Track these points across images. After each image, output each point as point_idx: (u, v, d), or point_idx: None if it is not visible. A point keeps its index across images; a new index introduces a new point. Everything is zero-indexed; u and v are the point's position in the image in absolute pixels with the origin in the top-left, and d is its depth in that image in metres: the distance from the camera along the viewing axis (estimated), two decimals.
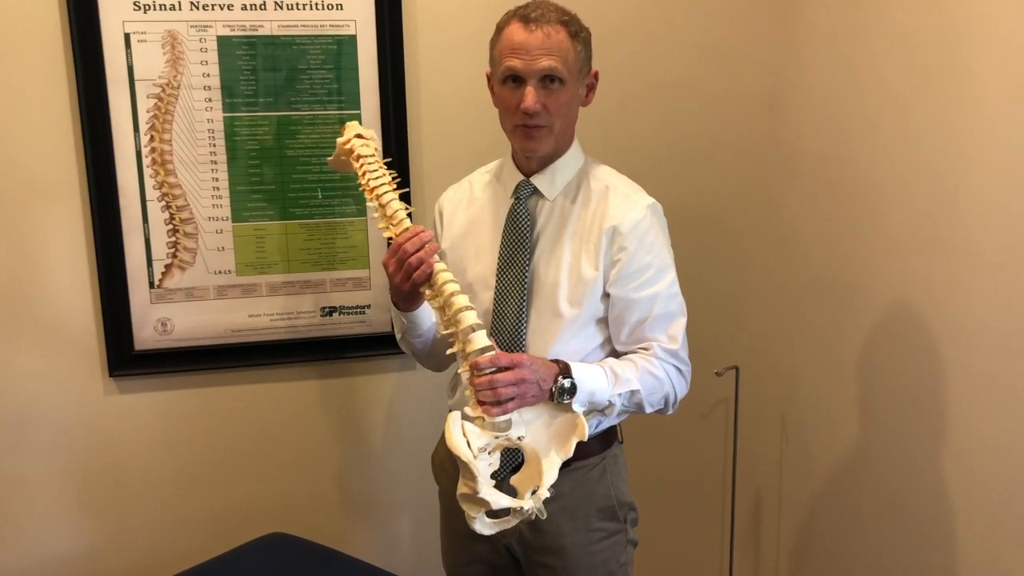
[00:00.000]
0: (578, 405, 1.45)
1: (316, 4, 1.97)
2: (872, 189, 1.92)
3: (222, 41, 1.94)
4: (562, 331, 1.57)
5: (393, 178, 1.57)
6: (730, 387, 2.35)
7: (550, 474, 1.39)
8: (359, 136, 1.63)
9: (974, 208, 1.64)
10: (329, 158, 1.74)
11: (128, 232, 1.97)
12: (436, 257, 1.48)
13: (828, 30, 2.05)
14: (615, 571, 1.68)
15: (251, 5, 1.94)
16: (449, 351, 1.47)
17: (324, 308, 2.10)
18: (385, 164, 1.59)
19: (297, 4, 1.96)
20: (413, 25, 2.03)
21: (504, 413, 1.39)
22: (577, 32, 1.53)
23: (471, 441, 1.38)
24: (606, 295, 1.58)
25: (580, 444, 1.61)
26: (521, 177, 1.64)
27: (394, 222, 1.52)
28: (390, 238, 1.52)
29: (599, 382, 1.48)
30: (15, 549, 2.06)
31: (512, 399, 1.39)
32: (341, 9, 1.98)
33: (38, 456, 2.03)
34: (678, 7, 2.15)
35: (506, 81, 1.54)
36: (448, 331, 1.45)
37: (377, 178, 1.56)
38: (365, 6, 1.99)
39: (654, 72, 2.16)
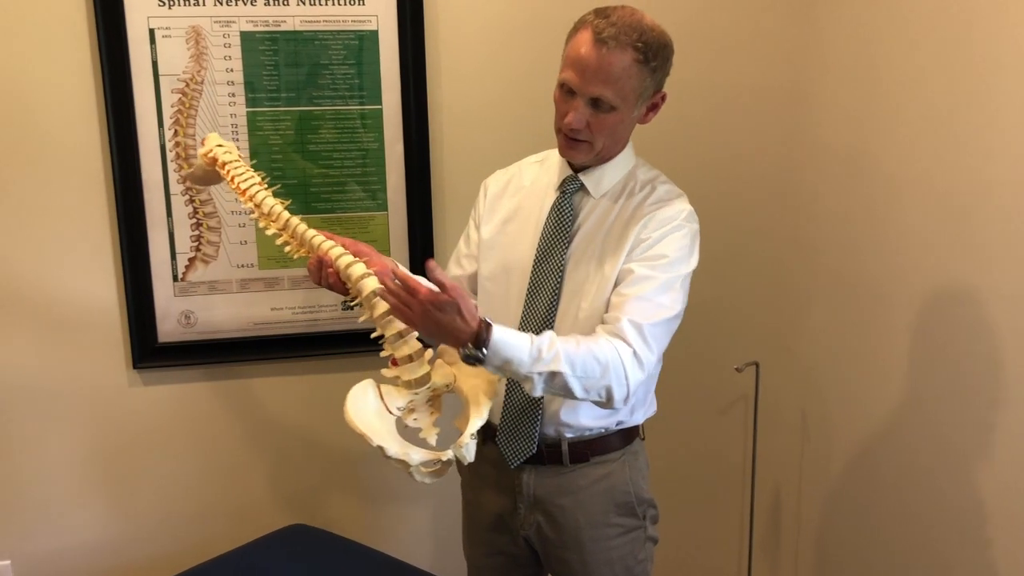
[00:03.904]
0: (492, 369, 1.41)
1: None
2: (893, 184, 1.91)
3: (245, 36, 1.96)
4: (586, 325, 1.55)
5: (263, 178, 1.62)
6: (750, 383, 2.34)
7: (476, 420, 1.43)
8: (219, 145, 1.67)
9: (997, 203, 1.63)
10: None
11: (152, 226, 1.99)
12: (331, 247, 1.52)
13: (849, 24, 2.04)
14: (633, 567, 1.68)
15: (274, 1, 1.95)
16: (361, 319, 1.50)
17: (345, 302, 2.10)
18: (251, 166, 1.64)
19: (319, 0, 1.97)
20: (434, 20, 2.04)
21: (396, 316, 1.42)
22: (649, 58, 1.47)
23: (388, 402, 1.44)
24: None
25: (600, 439, 1.63)
26: (569, 172, 1.63)
27: (272, 217, 1.59)
28: (276, 234, 1.59)
29: (518, 354, 1.39)
30: (39, 538, 2.09)
31: (399, 315, 1.41)
32: (363, 4, 1.99)
33: (63, 447, 2.06)
34: (698, 2, 2.15)
35: (562, 85, 1.52)
36: (356, 301, 1.50)
37: (246, 180, 1.61)
38: (387, 2, 1.99)
39: (674, 67, 2.15)
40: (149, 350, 2.04)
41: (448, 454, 1.40)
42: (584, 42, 1.47)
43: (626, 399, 1.47)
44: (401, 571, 1.87)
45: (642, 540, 1.69)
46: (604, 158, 1.60)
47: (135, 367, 2.05)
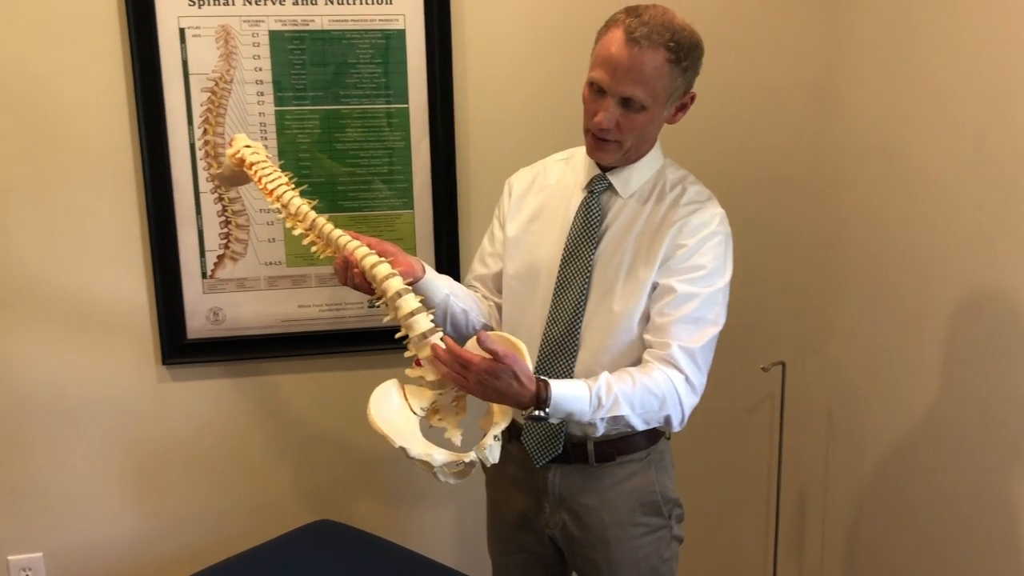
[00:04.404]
0: (554, 420, 1.46)
1: None
2: (924, 182, 1.89)
3: (274, 36, 1.97)
4: (615, 328, 1.56)
5: (290, 179, 1.63)
6: (776, 383, 2.33)
7: (499, 422, 1.44)
8: (247, 146, 1.68)
9: None
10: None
11: (182, 223, 2.01)
12: (356, 248, 1.53)
13: (880, 20, 2.02)
14: (658, 566, 1.68)
15: (303, 0, 1.96)
16: (385, 319, 1.51)
17: (371, 300, 2.12)
18: (279, 166, 1.65)
19: None
20: (461, 19, 2.04)
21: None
22: (680, 58, 1.46)
23: (412, 403, 1.45)
24: (653, 287, 1.56)
25: (626, 438, 1.62)
26: (597, 171, 1.63)
27: (299, 218, 1.59)
28: (303, 234, 1.60)
29: (579, 406, 1.43)
30: (70, 531, 2.12)
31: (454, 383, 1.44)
32: (391, 3, 1.99)
33: (94, 442, 2.09)
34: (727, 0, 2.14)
35: (591, 84, 1.52)
36: (380, 301, 1.51)
37: (273, 180, 1.62)
38: (414, 1, 2.00)
39: (704, 66, 2.14)
40: (178, 346, 2.07)
41: (471, 456, 1.40)
42: (615, 41, 1.46)
43: (682, 422, 1.53)
44: (426, 567, 1.88)
45: (668, 539, 1.69)
46: (632, 158, 1.59)
47: (164, 363, 2.07)
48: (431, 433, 1.47)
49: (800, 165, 2.25)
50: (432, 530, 2.30)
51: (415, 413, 1.46)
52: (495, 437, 1.41)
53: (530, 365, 1.45)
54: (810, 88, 2.21)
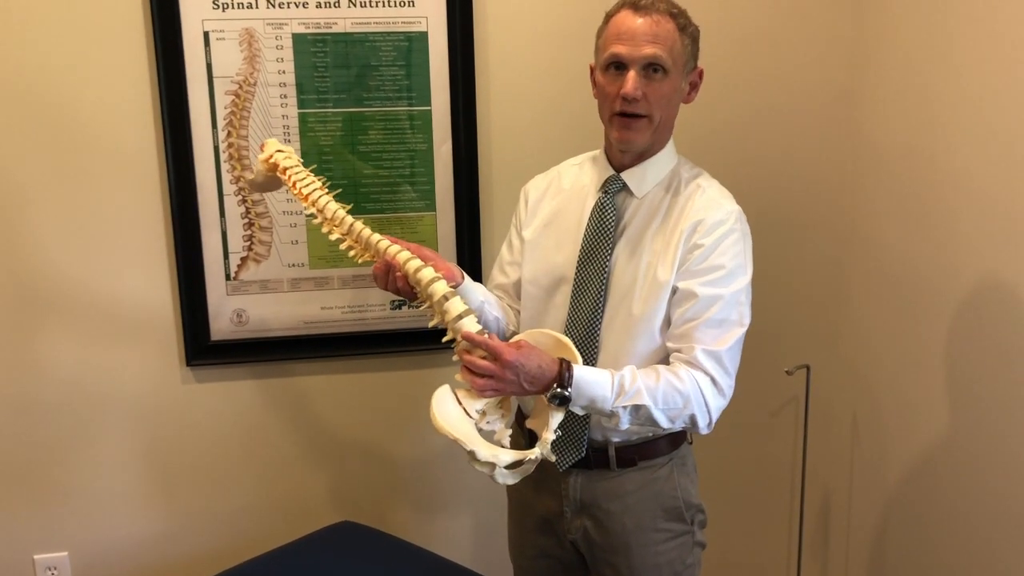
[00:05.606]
0: (578, 409, 1.45)
1: (389, 1, 1.99)
2: (950, 183, 1.86)
3: (297, 39, 1.98)
4: (635, 331, 1.55)
5: (323, 183, 1.62)
6: (801, 386, 2.31)
7: (555, 417, 1.44)
8: (279, 151, 1.67)
9: None
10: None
11: (206, 226, 2.02)
12: (398, 252, 1.52)
13: (905, 19, 2.00)
14: (681, 572, 1.67)
15: (326, 3, 1.97)
16: (431, 323, 1.50)
17: (393, 302, 2.13)
18: (311, 171, 1.65)
19: (370, 1, 1.98)
20: (484, 22, 2.04)
21: (482, 395, 1.43)
22: (685, 26, 1.53)
23: (467, 406, 1.44)
24: (674, 291, 1.54)
25: (648, 443, 1.62)
26: (611, 172, 1.62)
27: (336, 222, 1.59)
28: (339, 239, 1.59)
29: (601, 391, 1.43)
30: (95, 530, 2.14)
31: (488, 388, 1.42)
32: (413, 6, 1.99)
33: (119, 442, 2.11)
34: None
35: (608, 68, 1.53)
36: (426, 304, 1.50)
37: (308, 184, 1.62)
38: (436, 3, 2.00)
39: (725, 64, 2.13)
40: (202, 348, 2.08)
41: (536, 452, 1.41)
42: (625, 17, 1.51)
43: (709, 425, 1.52)
44: (448, 570, 1.88)
45: (690, 545, 1.68)
46: (653, 146, 1.59)
47: (188, 364, 2.08)
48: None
49: (824, 167, 2.23)
50: (454, 533, 2.30)
51: (471, 416, 1.46)
52: (554, 431, 1.42)
53: (579, 358, 1.47)
54: (834, 88, 2.19)
